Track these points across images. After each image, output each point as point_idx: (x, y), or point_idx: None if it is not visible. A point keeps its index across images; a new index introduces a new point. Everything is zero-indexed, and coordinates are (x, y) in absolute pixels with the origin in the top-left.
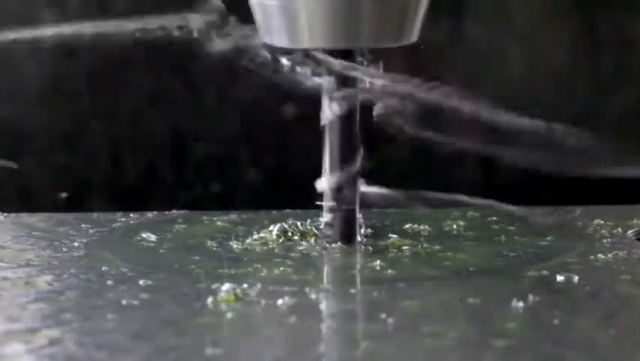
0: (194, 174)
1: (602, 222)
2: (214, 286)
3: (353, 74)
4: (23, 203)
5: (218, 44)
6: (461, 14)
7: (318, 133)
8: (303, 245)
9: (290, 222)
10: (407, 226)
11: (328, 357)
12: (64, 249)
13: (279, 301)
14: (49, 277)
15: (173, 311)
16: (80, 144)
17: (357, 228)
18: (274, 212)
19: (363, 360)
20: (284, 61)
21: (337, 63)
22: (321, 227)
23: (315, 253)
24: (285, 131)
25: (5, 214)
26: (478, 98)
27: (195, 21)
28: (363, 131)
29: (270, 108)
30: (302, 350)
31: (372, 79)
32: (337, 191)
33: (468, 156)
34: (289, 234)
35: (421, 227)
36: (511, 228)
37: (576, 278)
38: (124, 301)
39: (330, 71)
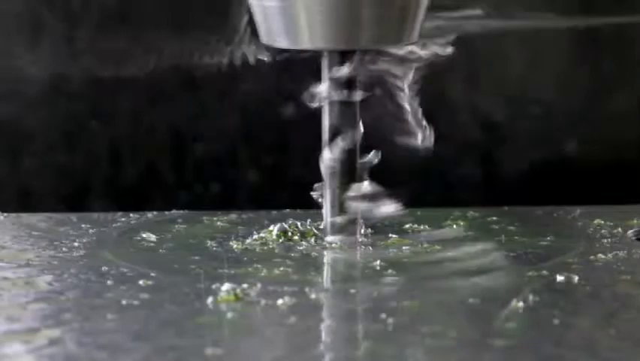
0: (194, 174)
1: (602, 222)
2: (214, 286)
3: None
4: (23, 203)
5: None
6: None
7: (318, 133)
8: (303, 245)
9: (290, 222)
10: (407, 226)
11: (328, 357)
12: (64, 249)
13: (279, 301)
14: (49, 277)
15: (173, 311)
16: (80, 144)
17: (358, 228)
18: (274, 212)
19: (363, 360)
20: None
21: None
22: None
23: (315, 253)
24: (285, 132)
25: (5, 214)
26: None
27: None
28: (364, 131)
29: (270, 108)
30: (302, 350)
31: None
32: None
33: (468, 156)
34: (289, 234)
35: (421, 227)
36: (511, 228)
37: (576, 278)
38: (124, 301)
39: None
